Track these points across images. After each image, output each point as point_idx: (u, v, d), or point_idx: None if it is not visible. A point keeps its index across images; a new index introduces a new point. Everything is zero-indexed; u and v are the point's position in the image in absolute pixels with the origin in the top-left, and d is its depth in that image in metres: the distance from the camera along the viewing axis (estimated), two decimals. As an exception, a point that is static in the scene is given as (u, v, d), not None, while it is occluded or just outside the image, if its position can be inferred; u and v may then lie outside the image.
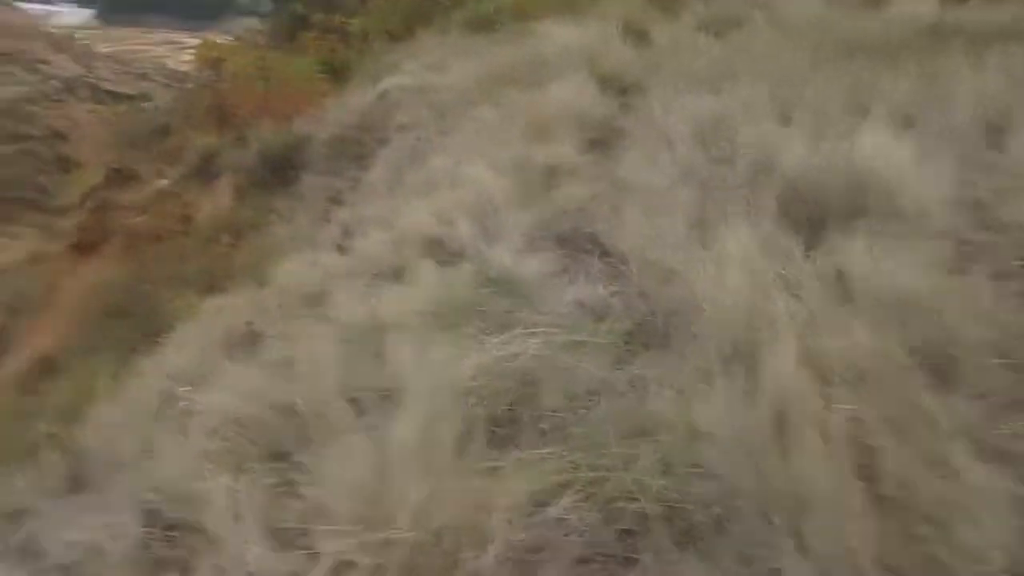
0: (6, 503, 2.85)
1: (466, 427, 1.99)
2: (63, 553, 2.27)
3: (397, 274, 3.19)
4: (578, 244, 3.22)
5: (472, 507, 1.76)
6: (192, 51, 17.96)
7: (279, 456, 2.13)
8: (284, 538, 1.85)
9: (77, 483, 2.78)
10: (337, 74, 8.57)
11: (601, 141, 4.43)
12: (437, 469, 1.84)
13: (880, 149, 2.92)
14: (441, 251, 3.24)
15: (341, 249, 3.94)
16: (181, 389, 2.81)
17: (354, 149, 6.12)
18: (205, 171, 7.84)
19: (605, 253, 3.18)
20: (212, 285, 4.51)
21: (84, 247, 8.40)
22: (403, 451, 1.89)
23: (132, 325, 5.17)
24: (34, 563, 2.34)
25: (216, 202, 7.27)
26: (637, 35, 6.08)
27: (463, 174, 4.09)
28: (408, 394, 2.12)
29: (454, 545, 1.70)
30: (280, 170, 6.67)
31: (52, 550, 2.34)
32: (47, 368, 6.55)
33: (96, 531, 2.24)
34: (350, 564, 1.71)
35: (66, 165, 17.98)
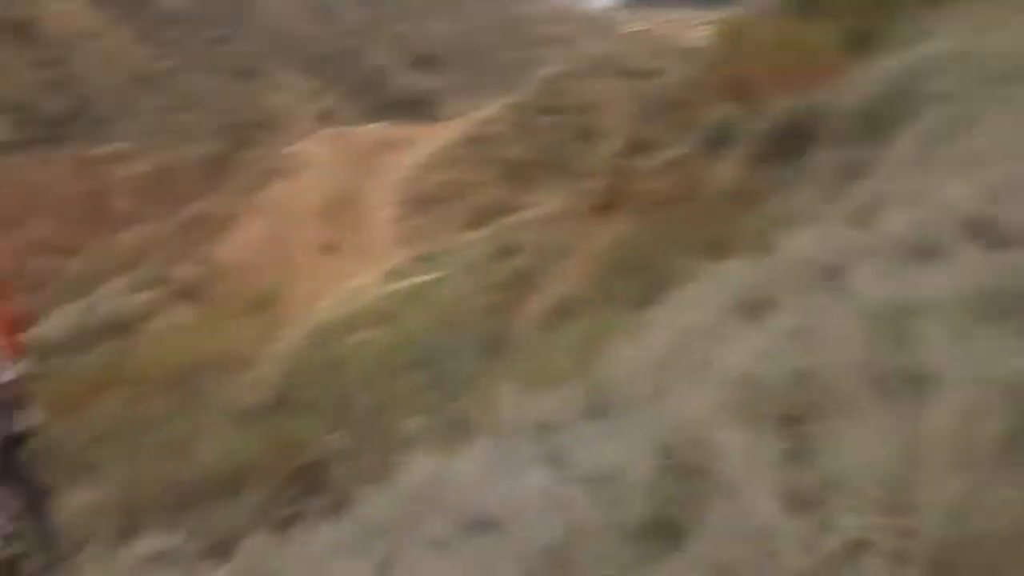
0: (538, 417, 3.37)
1: (1013, 429, 1.75)
2: (586, 467, 2.59)
3: (928, 254, 2.91)
4: None
5: (1016, 516, 1.54)
6: (708, 27, 18.59)
7: (793, 421, 2.13)
8: (797, 503, 1.85)
9: (597, 410, 3.15)
10: (862, 41, 8.05)
11: None
12: (976, 467, 1.65)
13: None
14: (986, 234, 2.86)
15: (859, 223, 3.73)
16: (694, 342, 2.98)
17: (876, 121, 5.71)
18: (717, 141, 8.11)
19: None
20: (719, 250, 4.66)
21: (602, 208, 9.39)
22: (936, 442, 1.74)
23: (641, 281, 5.64)
24: (561, 472, 2.72)
25: (726, 171, 7.47)
26: None
27: (1015, 149, 3.55)
28: (943, 383, 1.94)
29: (991, 550, 1.51)
30: (793, 141, 6.56)
31: (576, 463, 2.69)
32: (565, 310, 7.53)
33: (615, 454, 2.51)
34: (868, 544, 1.63)
35: (590, 135, 20.21)
